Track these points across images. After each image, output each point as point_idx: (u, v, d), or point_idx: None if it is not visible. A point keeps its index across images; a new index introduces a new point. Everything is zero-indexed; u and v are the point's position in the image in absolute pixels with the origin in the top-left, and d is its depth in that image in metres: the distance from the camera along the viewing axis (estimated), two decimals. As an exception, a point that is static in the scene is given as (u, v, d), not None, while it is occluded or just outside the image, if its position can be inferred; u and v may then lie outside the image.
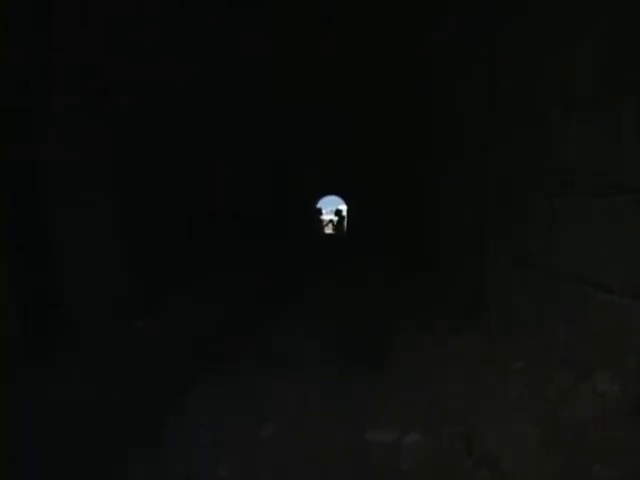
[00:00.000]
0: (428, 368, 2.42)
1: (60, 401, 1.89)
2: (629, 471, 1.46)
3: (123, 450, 1.77)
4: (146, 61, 4.06)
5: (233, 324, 3.67)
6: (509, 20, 2.88)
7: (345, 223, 17.57)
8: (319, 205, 17.68)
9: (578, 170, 2.10)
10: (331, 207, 22.86)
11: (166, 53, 4.43)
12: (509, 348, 2.44)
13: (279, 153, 8.86)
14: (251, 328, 3.58)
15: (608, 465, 1.50)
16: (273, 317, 3.96)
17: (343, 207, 17.84)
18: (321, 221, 19.46)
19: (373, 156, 9.30)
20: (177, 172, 4.76)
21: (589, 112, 2.03)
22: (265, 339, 3.24)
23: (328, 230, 20.29)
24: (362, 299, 4.57)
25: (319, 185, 13.37)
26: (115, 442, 1.80)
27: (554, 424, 1.81)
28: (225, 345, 3.06)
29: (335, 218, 19.84)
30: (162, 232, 4.26)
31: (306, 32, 6.02)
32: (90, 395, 2.03)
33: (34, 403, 1.85)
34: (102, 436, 1.81)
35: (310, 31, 6.03)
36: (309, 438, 1.86)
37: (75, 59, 3.22)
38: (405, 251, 6.65)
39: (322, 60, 6.65)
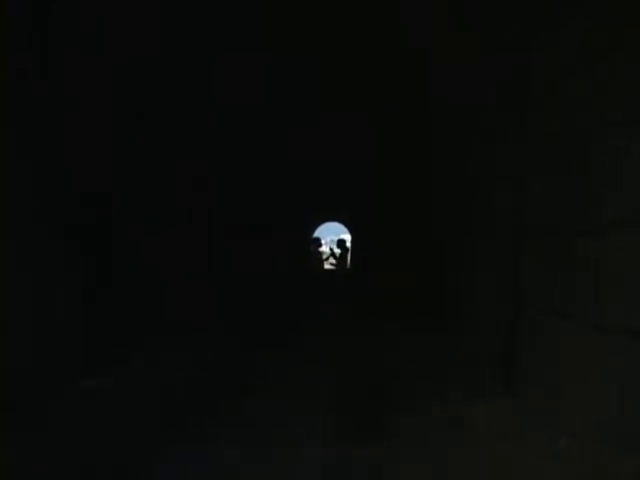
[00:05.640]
0: (446, 444, 2.02)
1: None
2: None
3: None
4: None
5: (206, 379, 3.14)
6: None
7: (349, 256, 14.38)
8: (317, 234, 14.74)
9: (627, 207, 1.79)
10: (332, 236, 19.64)
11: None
12: (547, 420, 2.06)
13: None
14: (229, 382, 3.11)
15: None
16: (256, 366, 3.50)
17: (347, 236, 14.79)
18: (319, 253, 16.30)
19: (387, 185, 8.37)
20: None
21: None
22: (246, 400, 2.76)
23: (328, 265, 16.98)
24: (369, 355, 4.02)
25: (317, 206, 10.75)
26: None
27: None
28: (194, 408, 2.56)
29: (337, 250, 16.71)
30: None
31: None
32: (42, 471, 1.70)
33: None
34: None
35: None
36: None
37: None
38: (421, 298, 5.92)
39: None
